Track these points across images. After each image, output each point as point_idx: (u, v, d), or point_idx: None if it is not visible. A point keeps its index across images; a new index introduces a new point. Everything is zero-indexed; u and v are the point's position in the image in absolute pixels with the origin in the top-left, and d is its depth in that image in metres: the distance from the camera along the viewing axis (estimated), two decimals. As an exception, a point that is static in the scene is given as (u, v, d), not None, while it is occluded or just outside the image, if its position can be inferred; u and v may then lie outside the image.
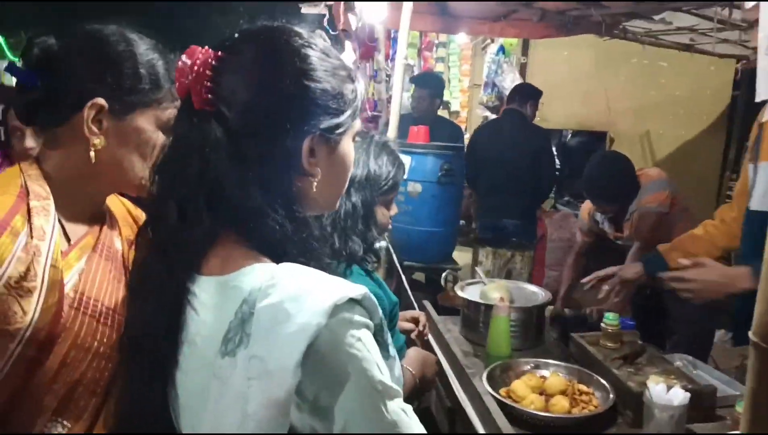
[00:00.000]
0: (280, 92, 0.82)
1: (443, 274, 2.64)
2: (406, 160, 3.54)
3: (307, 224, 0.86)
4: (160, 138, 1.07)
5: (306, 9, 7.64)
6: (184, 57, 0.84)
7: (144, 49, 1.07)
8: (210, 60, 0.82)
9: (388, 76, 5.83)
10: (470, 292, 2.20)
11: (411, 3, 3.18)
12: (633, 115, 5.48)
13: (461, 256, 4.09)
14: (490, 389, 1.63)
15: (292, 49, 0.85)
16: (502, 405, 1.58)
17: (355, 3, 3.44)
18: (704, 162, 5.55)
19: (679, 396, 1.54)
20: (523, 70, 5.48)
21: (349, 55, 4.83)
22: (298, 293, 0.74)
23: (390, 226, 1.59)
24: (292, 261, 0.81)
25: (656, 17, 3.81)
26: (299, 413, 0.74)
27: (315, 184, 0.86)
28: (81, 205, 1.07)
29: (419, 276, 3.84)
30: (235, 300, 0.77)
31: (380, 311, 0.80)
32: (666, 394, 1.55)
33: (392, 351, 0.86)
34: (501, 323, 1.84)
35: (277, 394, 0.72)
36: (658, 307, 2.82)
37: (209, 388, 0.77)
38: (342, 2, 3.61)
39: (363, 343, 0.75)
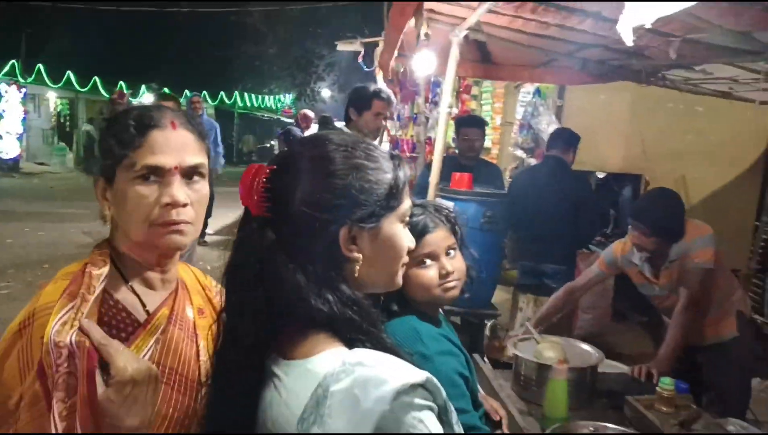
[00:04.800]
0: (313, 194, 0.93)
1: (489, 325, 2.67)
2: (449, 205, 3.62)
3: (361, 305, 0.94)
4: None
5: (342, 46, 7.88)
6: (245, 174, 0.97)
7: None
8: (263, 177, 0.95)
9: (427, 118, 5.96)
10: (524, 350, 2.23)
11: (457, 54, 3.28)
12: (669, 159, 5.48)
13: (496, 294, 4.11)
14: (549, 453, 1.67)
15: (323, 157, 0.95)
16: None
17: (405, 56, 3.54)
18: (739, 208, 5.52)
19: (739, 469, 1.56)
20: (559, 112, 5.54)
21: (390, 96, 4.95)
22: (365, 379, 0.82)
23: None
24: (357, 343, 0.91)
25: (697, 67, 3.86)
26: None
27: (358, 267, 0.95)
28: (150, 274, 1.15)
29: (455, 319, 3.88)
30: (311, 383, 0.86)
31: (443, 392, 0.87)
32: (726, 465, 1.57)
33: (458, 429, 0.92)
34: (560, 386, 1.87)
35: None
36: (693, 363, 2.84)
37: None
38: (392, 54, 3.72)
39: (424, 424, 0.82)
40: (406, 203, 1.02)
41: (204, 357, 1.15)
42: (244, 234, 0.98)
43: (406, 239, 1.02)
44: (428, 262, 1.49)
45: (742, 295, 2.98)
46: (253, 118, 26.49)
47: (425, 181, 3.73)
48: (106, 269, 1.09)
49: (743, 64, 3.59)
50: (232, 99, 23.38)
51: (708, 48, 3.10)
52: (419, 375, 0.84)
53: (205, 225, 7.37)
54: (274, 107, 26.80)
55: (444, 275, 1.49)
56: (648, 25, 1.39)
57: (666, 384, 1.92)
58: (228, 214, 8.41)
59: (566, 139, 4.18)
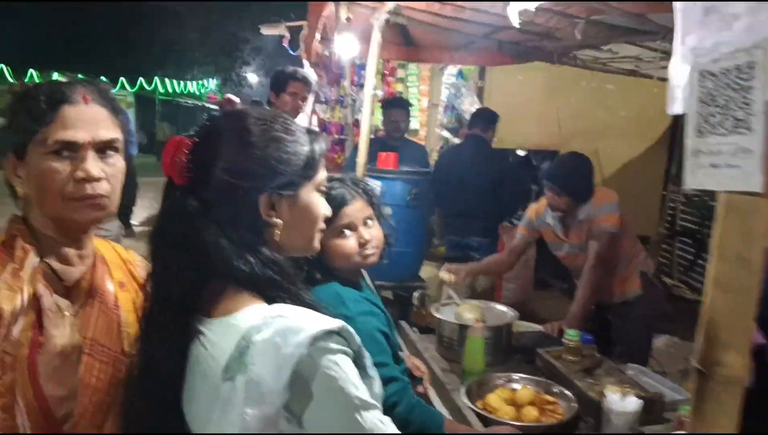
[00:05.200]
0: (234, 164, 1.01)
1: (415, 294, 2.82)
2: (376, 184, 3.75)
3: (281, 266, 1.03)
4: None
5: (266, 30, 7.79)
6: (168, 146, 1.04)
7: None
8: (184, 148, 1.03)
9: (353, 100, 6.04)
10: (445, 313, 2.39)
11: (378, 37, 3.39)
12: (583, 135, 5.78)
13: (424, 269, 4.30)
14: (468, 402, 1.83)
15: (243, 129, 1.04)
16: (479, 416, 1.78)
17: (328, 39, 3.61)
18: (648, 178, 5.91)
19: (632, 403, 1.77)
20: (480, 93, 5.74)
21: (314, 79, 5.01)
22: (285, 328, 0.92)
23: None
24: (278, 299, 1.00)
25: (604, 47, 4.12)
26: (289, 425, 0.91)
27: (278, 232, 1.05)
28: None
29: (387, 293, 4.03)
30: (235, 336, 0.94)
31: (357, 339, 0.97)
32: (621, 401, 1.78)
33: (371, 372, 1.02)
34: (477, 343, 2.04)
35: (268, 410, 0.89)
36: (604, 321, 3.09)
37: (214, 408, 0.94)
38: (315, 36, 3.78)
39: (339, 366, 0.91)
40: (322, 174, 1.11)
41: (126, 328, 1.19)
42: (168, 202, 1.05)
43: (322, 207, 1.12)
44: (347, 232, 1.61)
45: (645, 257, 3.25)
46: (176, 105, 25.59)
47: (355, 162, 3.84)
48: (31, 247, 1.10)
49: (643, 44, 3.87)
50: (152, 85, 22.56)
51: (610, 29, 3.33)
52: (334, 323, 0.94)
53: (130, 213, 7.27)
54: (197, 93, 26.00)
55: (363, 244, 1.62)
56: (532, 9, 1.54)
57: (572, 335, 2.12)
58: (154, 205, 8.26)
59: (486, 118, 4.38)
